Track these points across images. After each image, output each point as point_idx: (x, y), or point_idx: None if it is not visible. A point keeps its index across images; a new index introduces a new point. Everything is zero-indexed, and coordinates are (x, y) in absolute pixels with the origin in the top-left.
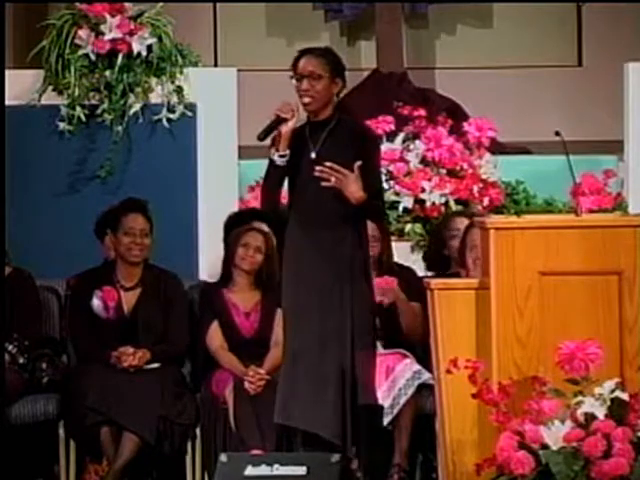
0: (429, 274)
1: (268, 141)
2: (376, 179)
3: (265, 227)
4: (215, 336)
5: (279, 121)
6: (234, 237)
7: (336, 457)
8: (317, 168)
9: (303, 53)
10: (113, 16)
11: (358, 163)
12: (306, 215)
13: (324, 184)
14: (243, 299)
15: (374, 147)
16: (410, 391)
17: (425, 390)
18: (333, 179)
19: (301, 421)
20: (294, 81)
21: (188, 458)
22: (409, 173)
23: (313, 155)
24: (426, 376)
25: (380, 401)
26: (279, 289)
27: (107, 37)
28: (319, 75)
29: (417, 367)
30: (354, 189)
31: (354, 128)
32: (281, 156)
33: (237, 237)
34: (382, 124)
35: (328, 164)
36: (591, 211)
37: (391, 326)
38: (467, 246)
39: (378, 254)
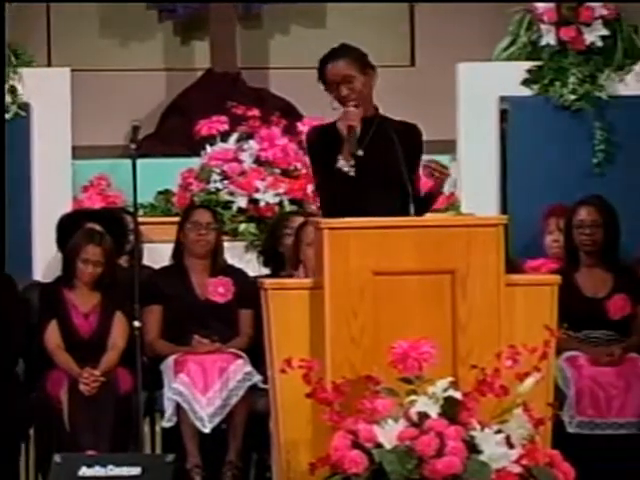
0: (263, 272)
1: (99, 141)
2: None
3: (98, 227)
4: (52, 335)
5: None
6: (73, 249)
7: (170, 457)
8: (433, 165)
9: (327, 60)
10: None
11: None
12: (356, 214)
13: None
14: (83, 300)
15: (422, 143)
16: (241, 392)
17: (257, 391)
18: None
19: None
20: (329, 91)
21: (22, 459)
22: (243, 173)
23: (360, 152)
24: (257, 378)
25: (211, 401)
26: (119, 291)
27: None
28: (352, 76)
29: (249, 368)
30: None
31: (398, 123)
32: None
33: (76, 250)
34: (216, 124)
35: (433, 165)
36: None
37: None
38: (303, 242)
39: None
